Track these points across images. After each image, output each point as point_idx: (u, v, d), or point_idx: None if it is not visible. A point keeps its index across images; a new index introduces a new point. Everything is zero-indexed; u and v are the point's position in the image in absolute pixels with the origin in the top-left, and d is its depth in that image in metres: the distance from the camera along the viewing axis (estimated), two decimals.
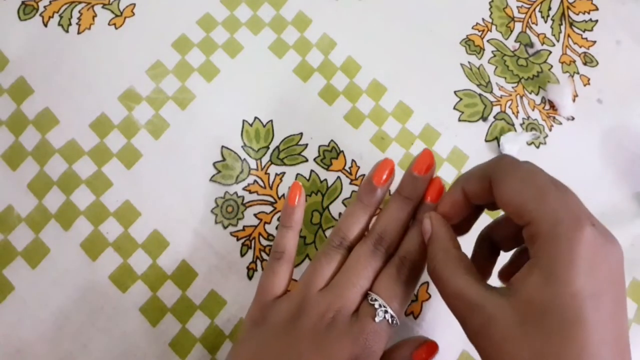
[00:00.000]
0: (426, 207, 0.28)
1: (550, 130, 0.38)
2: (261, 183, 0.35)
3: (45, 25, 0.36)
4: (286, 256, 0.29)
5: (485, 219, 0.29)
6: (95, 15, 0.36)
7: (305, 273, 0.28)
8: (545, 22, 0.41)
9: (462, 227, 0.28)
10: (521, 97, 0.39)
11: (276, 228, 0.34)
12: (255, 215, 0.34)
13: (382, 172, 0.28)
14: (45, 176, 0.33)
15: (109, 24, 0.36)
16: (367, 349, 0.25)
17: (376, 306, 0.25)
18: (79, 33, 0.36)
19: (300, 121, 0.36)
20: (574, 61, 0.40)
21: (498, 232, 0.28)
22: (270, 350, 0.26)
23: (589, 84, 0.40)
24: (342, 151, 0.36)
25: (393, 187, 0.29)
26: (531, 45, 0.40)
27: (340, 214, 0.35)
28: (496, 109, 0.38)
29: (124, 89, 0.35)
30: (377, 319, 0.25)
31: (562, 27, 0.41)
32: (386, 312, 0.25)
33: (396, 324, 0.26)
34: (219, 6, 0.38)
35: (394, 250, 0.28)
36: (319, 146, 0.36)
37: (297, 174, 0.35)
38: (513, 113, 0.38)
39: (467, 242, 0.28)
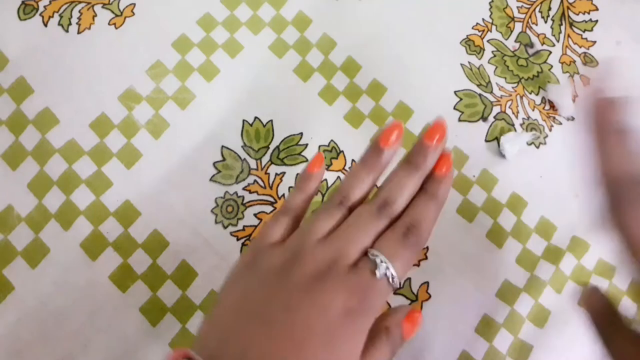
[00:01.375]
0: (435, 179, 0.27)
1: (550, 130, 0.38)
2: (261, 183, 0.35)
3: (45, 25, 0.36)
4: (292, 212, 0.27)
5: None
6: (95, 15, 0.36)
7: (302, 225, 0.27)
8: (546, 22, 0.41)
9: None
10: (521, 97, 0.39)
11: None
12: (255, 215, 0.34)
13: (389, 133, 0.26)
14: (45, 176, 0.33)
15: (109, 24, 0.36)
16: (364, 303, 0.23)
17: (377, 261, 0.24)
18: (79, 33, 0.36)
19: (300, 121, 0.36)
20: (574, 61, 0.40)
21: None
22: (259, 295, 0.24)
23: (589, 84, 0.40)
24: (342, 151, 0.36)
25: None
26: (531, 45, 0.40)
27: None
28: (496, 109, 0.38)
29: (124, 88, 0.35)
30: (377, 273, 0.23)
31: (562, 27, 0.41)
32: (387, 268, 0.24)
33: (396, 285, 0.24)
34: (219, 6, 0.38)
35: (396, 218, 0.26)
36: (319, 146, 0.36)
37: (297, 174, 0.35)
38: (513, 113, 0.38)
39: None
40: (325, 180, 0.35)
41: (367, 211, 0.26)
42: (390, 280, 0.24)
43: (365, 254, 0.25)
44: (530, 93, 0.39)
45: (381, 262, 0.24)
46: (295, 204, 0.28)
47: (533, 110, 0.39)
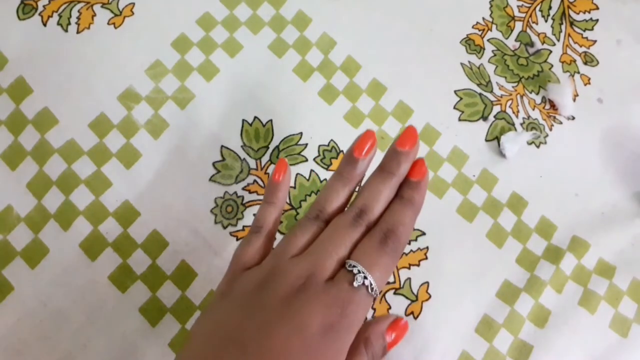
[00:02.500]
0: (410, 184, 0.26)
1: (550, 129, 0.38)
2: (261, 183, 0.35)
3: (45, 25, 0.36)
4: (264, 230, 0.27)
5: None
6: (94, 15, 0.36)
7: (277, 244, 0.26)
8: (546, 21, 0.41)
9: None
10: (521, 97, 0.39)
11: None
12: (255, 215, 0.34)
13: (363, 144, 0.26)
14: (45, 176, 0.33)
15: (108, 24, 0.36)
16: (344, 317, 0.22)
17: (355, 272, 0.23)
18: (78, 32, 0.36)
19: (300, 121, 0.36)
20: (575, 60, 0.40)
21: None
22: (234, 320, 0.23)
23: (589, 83, 0.40)
24: (342, 151, 0.36)
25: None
26: (531, 44, 0.40)
27: None
28: (496, 109, 0.38)
29: (123, 88, 0.35)
30: (355, 284, 0.23)
31: (563, 27, 0.41)
32: (365, 277, 0.23)
33: (376, 294, 0.24)
34: (218, 5, 0.38)
35: (373, 226, 0.26)
36: (319, 146, 0.36)
37: (297, 174, 0.35)
38: (513, 112, 0.38)
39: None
40: (325, 180, 0.35)
41: (343, 222, 0.25)
42: (369, 290, 0.23)
43: (342, 265, 0.24)
44: (531, 92, 0.39)
45: (359, 272, 0.23)
46: (267, 221, 0.28)
47: (533, 109, 0.39)
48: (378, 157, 0.36)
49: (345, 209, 0.27)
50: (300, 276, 0.23)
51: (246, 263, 0.26)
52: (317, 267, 0.24)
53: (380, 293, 0.24)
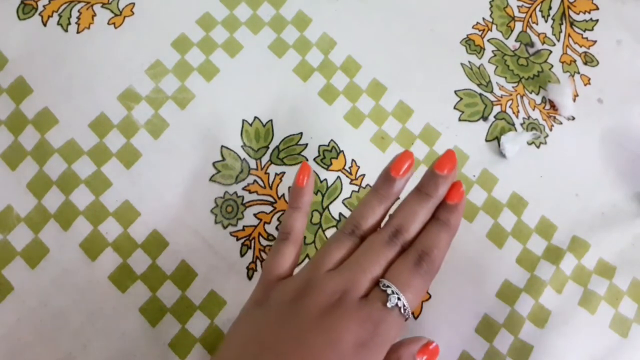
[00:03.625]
0: (447, 207, 0.27)
1: (550, 130, 0.38)
2: (261, 183, 0.35)
3: (45, 25, 0.36)
4: (293, 237, 0.28)
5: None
6: (94, 15, 0.36)
7: (313, 256, 0.27)
8: (546, 21, 0.41)
9: None
10: (522, 97, 0.39)
11: (276, 228, 0.34)
12: (255, 215, 0.34)
13: (402, 163, 0.27)
14: (45, 176, 0.33)
15: (108, 23, 0.36)
16: (376, 336, 0.23)
17: (388, 292, 0.24)
18: (78, 32, 0.36)
19: (300, 121, 0.36)
20: (575, 61, 0.40)
21: None
22: (270, 330, 0.24)
23: (589, 83, 0.40)
24: (342, 151, 0.36)
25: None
26: (532, 44, 0.40)
27: (340, 214, 0.35)
28: (496, 109, 0.38)
29: (123, 88, 0.35)
30: (389, 304, 0.23)
31: (563, 27, 0.41)
32: (399, 299, 0.24)
33: (408, 315, 0.24)
34: (218, 5, 0.38)
35: (408, 246, 0.26)
36: (319, 146, 0.36)
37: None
38: (513, 113, 0.38)
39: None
40: (325, 180, 0.35)
41: (379, 240, 0.26)
42: (402, 311, 0.24)
43: (376, 284, 0.25)
44: (531, 92, 0.39)
45: (392, 292, 0.24)
46: (295, 227, 0.28)
47: (533, 109, 0.39)
48: (380, 157, 0.36)
49: (380, 226, 0.27)
50: (335, 291, 0.24)
51: (280, 274, 0.27)
52: (352, 284, 0.24)
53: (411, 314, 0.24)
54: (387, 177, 0.27)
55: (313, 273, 0.25)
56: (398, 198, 0.28)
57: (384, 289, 0.24)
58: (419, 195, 0.27)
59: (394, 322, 0.24)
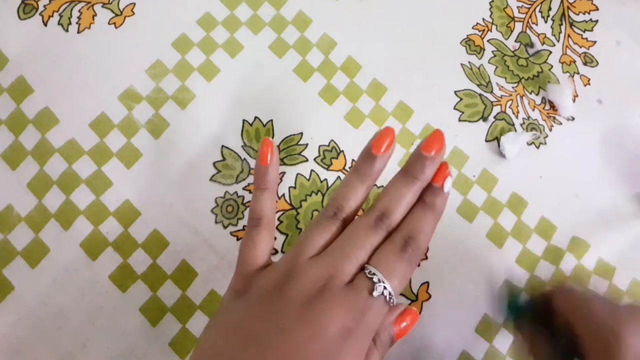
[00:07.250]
0: (433, 190, 0.26)
1: (550, 130, 0.38)
2: None
3: (45, 25, 0.36)
4: (264, 221, 0.27)
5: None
6: (95, 15, 0.36)
7: (295, 242, 0.26)
8: (546, 22, 0.41)
9: None
10: (521, 97, 0.39)
11: (276, 228, 0.34)
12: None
13: (382, 140, 0.25)
14: (45, 176, 0.33)
15: (108, 23, 0.36)
16: (362, 324, 0.22)
17: (374, 280, 0.23)
18: (78, 32, 0.36)
19: (300, 121, 0.36)
20: (574, 61, 0.40)
21: None
22: (253, 321, 0.23)
23: (589, 84, 0.40)
24: (342, 151, 0.36)
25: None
26: (531, 45, 0.40)
27: None
28: (496, 109, 0.38)
29: (123, 88, 0.35)
30: (375, 293, 0.23)
31: (563, 27, 0.41)
32: (385, 287, 0.23)
33: (393, 302, 0.24)
34: (219, 5, 0.38)
35: (394, 229, 0.25)
36: (319, 146, 0.36)
37: (297, 174, 0.35)
38: (513, 113, 0.38)
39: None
40: (325, 180, 0.35)
41: (363, 224, 0.25)
42: (387, 299, 0.23)
43: (361, 269, 0.24)
44: (531, 93, 0.39)
45: (379, 281, 0.23)
46: (264, 210, 0.27)
47: (533, 110, 0.39)
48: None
49: (362, 207, 0.27)
50: (319, 278, 0.23)
51: (257, 262, 0.26)
52: (336, 271, 0.23)
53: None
54: (368, 155, 0.26)
55: (295, 260, 0.24)
56: (379, 176, 0.27)
57: (369, 276, 0.23)
58: (405, 178, 0.26)
59: (380, 309, 0.23)
